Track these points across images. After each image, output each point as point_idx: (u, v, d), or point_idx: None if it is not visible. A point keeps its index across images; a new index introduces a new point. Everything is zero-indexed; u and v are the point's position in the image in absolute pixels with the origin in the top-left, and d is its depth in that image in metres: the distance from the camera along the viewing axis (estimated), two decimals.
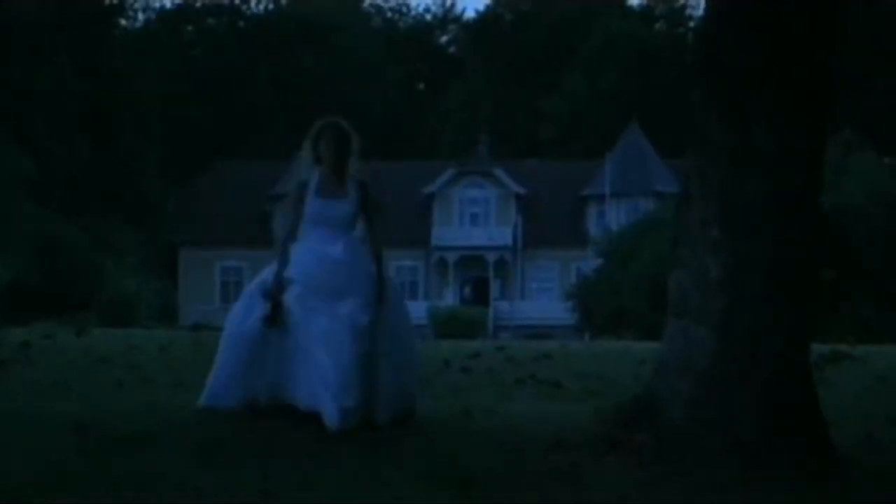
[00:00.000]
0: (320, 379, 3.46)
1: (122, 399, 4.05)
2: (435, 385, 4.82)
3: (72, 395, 4.09)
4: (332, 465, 3.10)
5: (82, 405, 3.82)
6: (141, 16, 42.90)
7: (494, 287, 35.87)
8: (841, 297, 15.81)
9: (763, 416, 3.72)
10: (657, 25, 42.33)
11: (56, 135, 30.50)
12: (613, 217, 33.08)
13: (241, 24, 42.73)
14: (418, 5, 58.34)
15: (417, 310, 26.26)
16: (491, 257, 35.90)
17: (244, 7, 42.99)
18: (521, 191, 35.52)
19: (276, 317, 3.54)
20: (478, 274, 36.11)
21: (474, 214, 36.41)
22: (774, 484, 3.31)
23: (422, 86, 45.08)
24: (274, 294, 3.56)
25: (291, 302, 3.56)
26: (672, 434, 3.73)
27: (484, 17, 43.97)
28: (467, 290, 36.32)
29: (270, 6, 43.00)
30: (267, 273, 3.68)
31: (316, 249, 3.64)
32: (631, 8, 42.66)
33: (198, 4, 42.70)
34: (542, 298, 35.35)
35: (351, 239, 3.70)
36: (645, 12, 42.58)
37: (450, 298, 35.16)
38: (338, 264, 3.61)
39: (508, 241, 35.65)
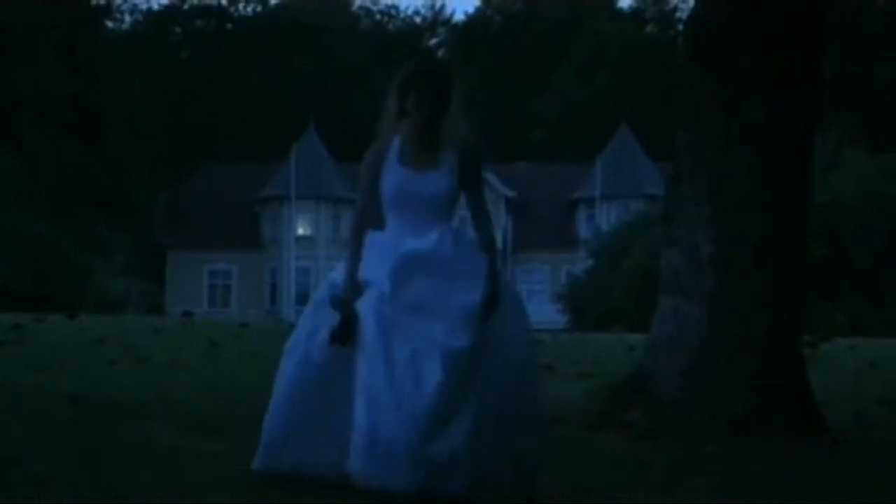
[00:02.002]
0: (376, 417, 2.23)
1: (115, 375, 4.03)
2: None
3: (65, 371, 4.07)
4: None
5: (76, 380, 3.80)
6: (128, 17, 42.71)
7: None
8: (832, 293, 15.93)
9: (754, 392, 3.77)
10: (647, 28, 42.51)
11: (43, 137, 30.32)
12: (604, 220, 33.15)
13: (230, 26, 42.62)
14: (407, 7, 58.48)
15: None
16: None
17: (232, 9, 42.88)
18: (511, 194, 35.56)
19: (347, 332, 2.36)
20: None
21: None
22: (765, 458, 3.35)
23: None
24: (346, 302, 2.40)
25: (366, 314, 2.36)
26: (664, 409, 3.76)
27: (473, 20, 44.11)
28: None
29: (259, 8, 42.90)
30: (336, 274, 2.51)
31: (399, 241, 2.42)
32: (621, 10, 42.84)
33: (185, 6, 42.54)
34: (532, 301, 35.29)
35: (449, 227, 2.47)
36: (635, 14, 42.78)
37: None
38: (431, 262, 2.37)
39: (499, 244, 35.60)
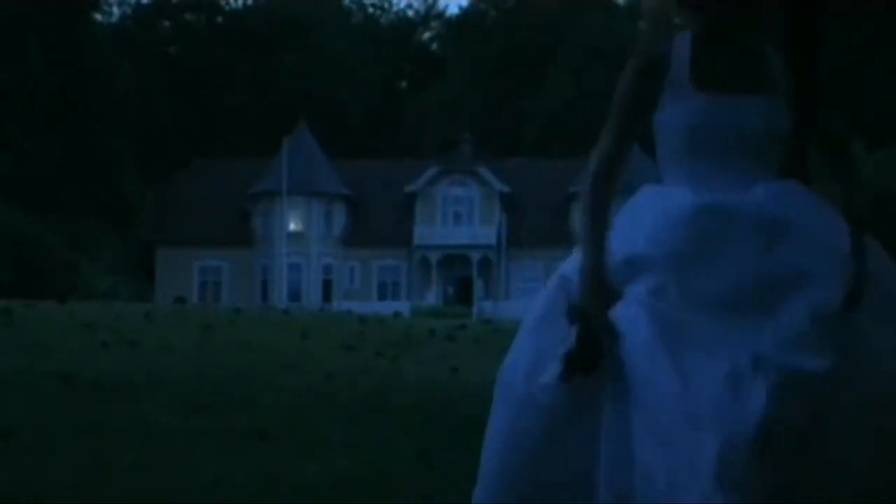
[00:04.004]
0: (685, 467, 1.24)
1: (107, 357, 3.99)
2: (420, 351, 4.84)
3: (57, 353, 4.03)
4: (333, 418, 3.09)
5: (68, 361, 3.76)
6: (116, 10, 42.33)
7: (478, 287, 35.77)
8: None
9: None
10: (642, 23, 42.48)
11: (30, 132, 30.07)
12: None
13: (220, 19, 42.33)
14: (400, 1, 58.15)
15: (400, 310, 26.14)
16: (475, 257, 35.79)
17: (222, 2, 42.62)
18: (506, 189, 35.41)
19: (593, 354, 1.33)
20: (461, 274, 35.98)
21: (458, 213, 36.23)
22: None
23: (404, 84, 44.96)
24: (585, 306, 1.36)
25: (633, 317, 1.31)
26: None
27: (467, 14, 43.98)
28: (451, 290, 36.25)
29: (249, 2, 42.64)
30: (570, 266, 1.46)
31: (693, 194, 1.38)
32: (616, 5, 42.77)
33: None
34: (526, 298, 35.29)
35: (780, 180, 1.44)
36: (630, 9, 42.74)
37: (433, 298, 35.00)
38: (755, 229, 1.34)
39: (492, 240, 35.48)
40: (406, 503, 2.25)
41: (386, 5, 46.36)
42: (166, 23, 43.13)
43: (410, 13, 46.25)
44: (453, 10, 63.61)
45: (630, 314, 1.29)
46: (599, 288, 1.34)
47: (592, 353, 1.32)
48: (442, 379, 3.99)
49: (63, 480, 2.30)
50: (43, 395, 3.16)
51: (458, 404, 3.52)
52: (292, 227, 34.04)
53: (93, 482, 2.31)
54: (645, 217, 1.38)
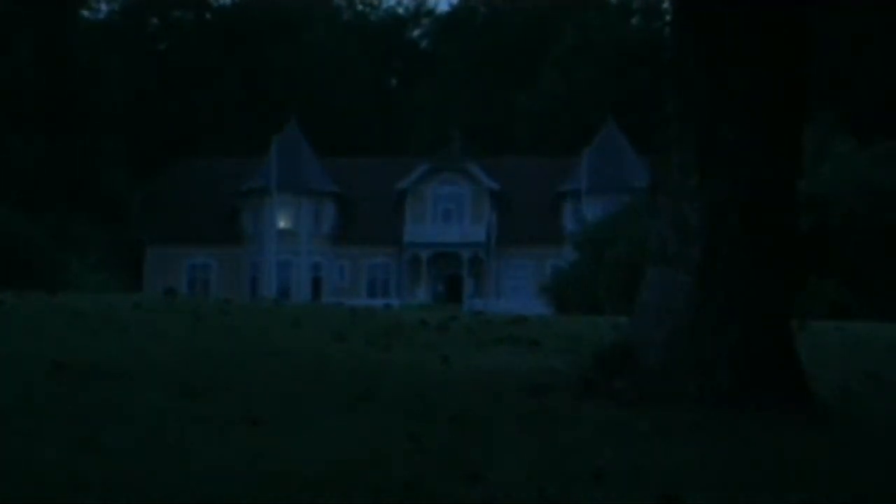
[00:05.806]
0: None
1: (99, 344, 3.98)
2: (412, 341, 4.85)
3: (48, 341, 4.01)
4: (325, 404, 3.10)
5: (59, 348, 3.75)
6: (104, 7, 42.00)
7: (468, 285, 35.77)
8: (818, 284, 15.80)
9: (740, 361, 3.78)
10: (633, 20, 42.48)
11: (16, 128, 29.82)
12: (590, 213, 33.09)
13: (208, 16, 42.14)
14: None
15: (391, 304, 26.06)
16: (465, 254, 35.81)
17: None
18: (496, 187, 35.48)
19: None
20: (452, 271, 35.99)
21: (448, 211, 36.25)
22: (750, 425, 3.37)
23: (394, 81, 44.86)
24: None
25: None
26: (649, 378, 3.77)
27: (457, 11, 43.93)
28: (441, 288, 36.21)
29: None
30: None
31: None
32: (607, 2, 42.73)
33: None
34: (516, 296, 35.33)
35: None
36: (621, 6, 42.73)
37: (422, 296, 34.97)
38: None
39: (482, 238, 35.57)
40: (397, 486, 2.26)
41: (376, 2, 46.23)
42: (154, 19, 42.80)
43: (400, 10, 46.12)
44: (443, 7, 63.38)
45: None
46: None
47: None
48: (433, 367, 4.00)
49: (54, 463, 2.29)
50: (34, 380, 3.15)
51: (450, 391, 3.54)
52: (282, 224, 34.02)
53: (84, 465, 2.31)
54: None
